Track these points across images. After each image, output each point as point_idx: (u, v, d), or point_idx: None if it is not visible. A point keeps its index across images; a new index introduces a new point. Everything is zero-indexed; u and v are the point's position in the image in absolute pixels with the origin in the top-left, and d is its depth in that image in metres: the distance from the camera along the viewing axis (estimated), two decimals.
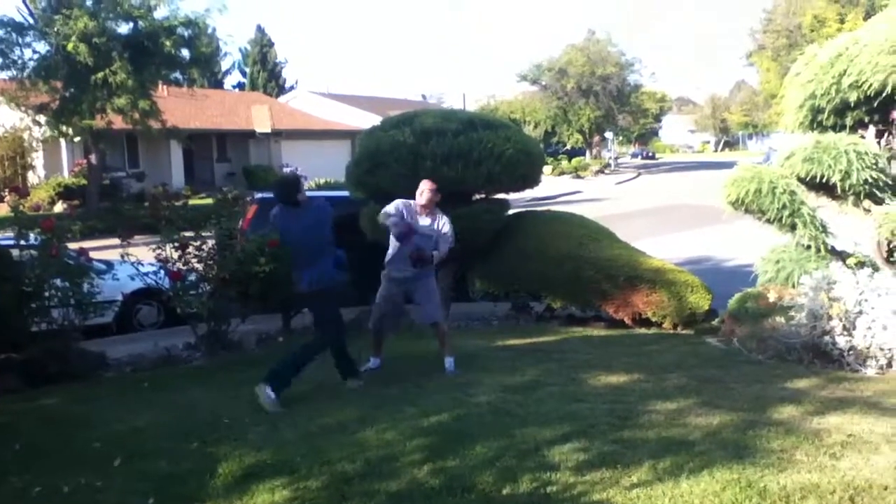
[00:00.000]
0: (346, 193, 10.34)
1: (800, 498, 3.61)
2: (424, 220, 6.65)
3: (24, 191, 18.76)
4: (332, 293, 6.13)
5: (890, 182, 7.77)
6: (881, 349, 6.52)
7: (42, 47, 20.80)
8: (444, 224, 6.67)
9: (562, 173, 45.41)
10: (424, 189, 6.72)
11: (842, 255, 8.22)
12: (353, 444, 4.69)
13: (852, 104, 7.95)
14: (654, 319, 8.64)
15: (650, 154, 74.51)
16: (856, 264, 7.90)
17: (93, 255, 7.99)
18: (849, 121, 8.19)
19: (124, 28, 21.24)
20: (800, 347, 6.89)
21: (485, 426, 4.85)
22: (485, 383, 5.96)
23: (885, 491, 3.66)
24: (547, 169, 36.17)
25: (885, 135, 8.07)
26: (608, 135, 56.42)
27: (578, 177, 44.64)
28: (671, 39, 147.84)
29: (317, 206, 6.15)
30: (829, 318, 6.76)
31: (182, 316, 8.04)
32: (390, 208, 6.64)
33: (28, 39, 20.73)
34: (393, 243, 6.72)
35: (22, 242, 7.58)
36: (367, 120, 29.83)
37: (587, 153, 54.85)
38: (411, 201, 6.72)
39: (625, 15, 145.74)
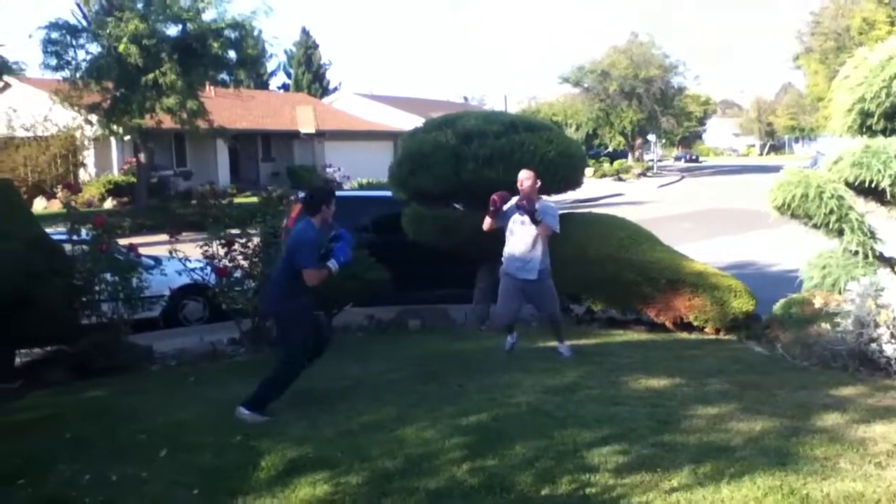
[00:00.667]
0: (388, 193, 10.42)
1: None
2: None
3: (76, 187, 19.16)
4: (288, 318, 5.76)
5: None
6: None
7: (94, 49, 21.37)
8: (546, 206, 7.08)
9: (604, 175, 45.12)
10: (522, 178, 7.07)
11: (890, 262, 8.05)
12: (392, 441, 4.74)
13: None
14: (696, 324, 8.55)
15: (694, 157, 73.61)
16: None
17: (141, 250, 8.19)
18: None
19: (173, 30, 21.73)
20: (845, 354, 6.77)
21: (524, 427, 4.86)
22: (524, 384, 5.97)
23: None
24: (589, 171, 35.92)
25: None
26: (651, 137, 55.90)
27: (620, 179, 44.32)
28: (715, 41, 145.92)
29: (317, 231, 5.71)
30: (877, 325, 6.63)
31: (227, 312, 8.18)
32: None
33: (81, 41, 21.30)
34: (508, 242, 7.12)
35: (74, 237, 7.80)
36: (409, 121, 30.01)
37: (629, 156, 54.40)
38: (515, 197, 7.04)
39: (668, 16, 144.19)
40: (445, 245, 9.19)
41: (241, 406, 5.46)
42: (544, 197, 8.60)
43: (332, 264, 5.60)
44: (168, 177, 28.23)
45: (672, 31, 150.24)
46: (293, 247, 5.60)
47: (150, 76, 20.19)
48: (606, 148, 55.99)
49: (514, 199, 7.02)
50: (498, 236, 7.27)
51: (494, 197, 6.93)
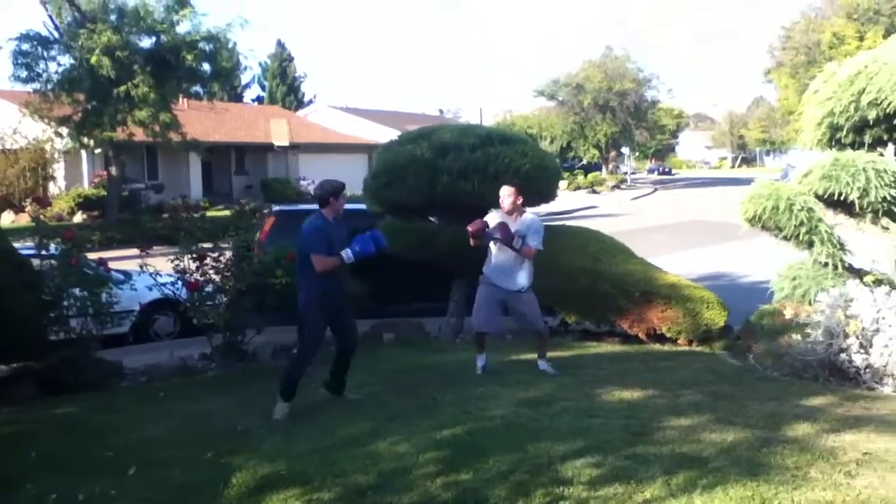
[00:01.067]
0: (363, 206, 10.40)
1: None
2: (513, 224, 6.85)
3: (45, 201, 18.96)
4: (300, 312, 6.04)
5: None
6: None
7: (66, 60, 21.20)
8: (531, 222, 6.91)
9: (578, 188, 45.41)
10: (503, 195, 6.96)
11: (859, 273, 8.16)
12: (366, 456, 4.70)
13: (871, 122, 7.94)
14: (669, 335, 8.60)
15: (667, 170, 74.33)
16: (873, 282, 7.84)
17: (111, 265, 8.09)
18: (867, 138, 8.16)
19: (147, 42, 21.58)
20: (816, 365, 6.84)
21: (498, 440, 4.85)
22: (499, 397, 5.96)
23: None
24: (563, 184, 36.10)
25: None
26: (625, 150, 56.37)
27: (594, 192, 44.63)
28: (689, 55, 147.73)
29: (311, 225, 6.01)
30: (846, 335, 6.71)
31: (198, 326, 8.10)
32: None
33: (53, 53, 21.12)
34: (494, 252, 6.98)
35: (42, 252, 7.69)
36: (384, 134, 30.03)
37: (603, 168, 54.82)
38: (498, 211, 6.98)
39: (642, 31, 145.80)
40: (421, 258, 9.18)
41: (279, 402, 5.88)
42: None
43: (346, 253, 5.86)
44: (139, 190, 27.95)
45: (646, 45, 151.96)
46: (303, 237, 5.93)
47: (123, 88, 20.02)
48: (580, 161, 56.37)
49: (495, 215, 6.95)
50: (475, 251, 7.24)
51: (471, 230, 6.68)
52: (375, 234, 6.03)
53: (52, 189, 26.18)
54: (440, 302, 9.65)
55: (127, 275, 8.39)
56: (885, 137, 8.13)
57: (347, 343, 6.30)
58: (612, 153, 55.93)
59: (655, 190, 47.87)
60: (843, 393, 6.25)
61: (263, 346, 8.39)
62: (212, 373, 7.78)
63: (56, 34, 21.12)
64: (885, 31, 34.03)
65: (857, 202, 7.67)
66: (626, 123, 52.04)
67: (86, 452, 5.14)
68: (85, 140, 21.79)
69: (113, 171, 23.27)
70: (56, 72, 21.05)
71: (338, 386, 6.32)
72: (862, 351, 6.62)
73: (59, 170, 26.53)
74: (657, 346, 8.61)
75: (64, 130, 21.84)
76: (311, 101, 56.54)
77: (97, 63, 19.60)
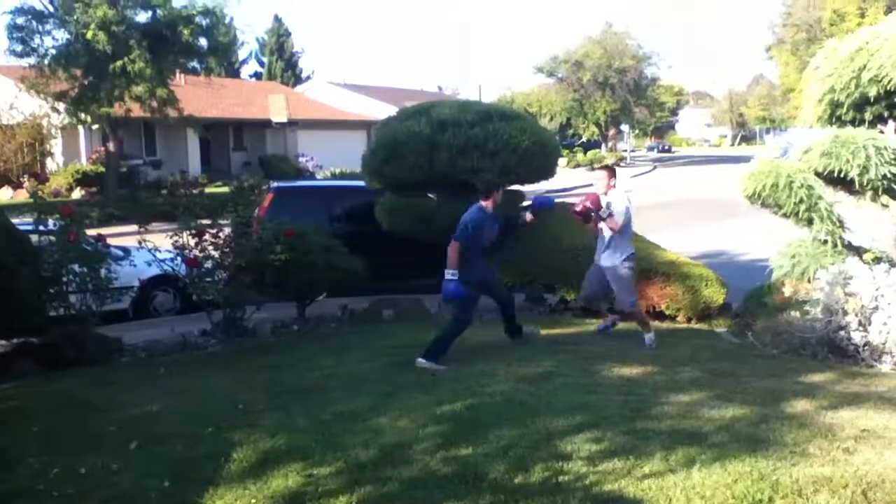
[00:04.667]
0: (361, 183, 10.37)
1: (812, 491, 3.61)
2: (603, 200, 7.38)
3: (43, 177, 18.79)
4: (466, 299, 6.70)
5: None
6: None
7: (62, 35, 20.99)
8: (613, 199, 7.37)
9: (577, 165, 45.30)
10: (596, 179, 7.55)
11: (858, 251, 8.16)
12: (366, 431, 4.72)
13: (872, 99, 7.90)
14: (668, 312, 8.62)
15: (666, 147, 74.13)
16: (872, 260, 7.85)
17: (110, 241, 8.07)
18: (868, 115, 8.12)
19: (143, 17, 21.40)
20: (815, 342, 6.87)
21: (498, 416, 4.87)
22: (499, 373, 5.98)
23: None
24: (562, 161, 36.03)
25: None
26: (624, 127, 56.15)
27: (594, 169, 44.43)
28: (690, 32, 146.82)
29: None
30: (845, 313, 6.73)
31: (198, 303, 8.10)
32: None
33: (48, 27, 20.88)
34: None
35: (41, 228, 7.66)
36: (383, 110, 29.87)
37: (603, 146, 54.65)
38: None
39: (643, 6, 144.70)
40: (420, 235, 9.17)
41: (420, 358, 6.42)
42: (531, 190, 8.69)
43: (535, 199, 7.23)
44: (137, 166, 27.85)
45: (647, 21, 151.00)
46: (460, 223, 6.63)
47: (119, 63, 19.86)
48: (580, 138, 56.19)
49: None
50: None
51: (577, 210, 7.32)
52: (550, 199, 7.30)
53: (50, 165, 26.07)
54: (441, 279, 9.65)
55: (126, 251, 8.37)
56: (886, 114, 8.09)
57: (505, 302, 7.24)
58: (612, 130, 55.73)
59: (655, 167, 47.75)
60: (842, 370, 6.28)
61: (263, 322, 8.41)
62: (212, 349, 7.80)
63: (51, 8, 20.90)
64: (886, 8, 33.77)
65: (856, 179, 7.65)
66: (625, 100, 51.79)
67: (87, 427, 5.15)
68: (82, 116, 21.65)
69: (111, 147, 23.16)
70: (52, 46, 20.88)
71: (515, 331, 7.27)
72: (861, 328, 6.65)
73: (56, 146, 26.39)
74: (656, 323, 8.60)
75: (61, 106, 21.70)
76: (309, 77, 56.18)
77: (93, 38, 19.43)
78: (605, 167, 7.82)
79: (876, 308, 6.66)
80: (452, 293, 6.52)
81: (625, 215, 7.26)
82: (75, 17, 19.80)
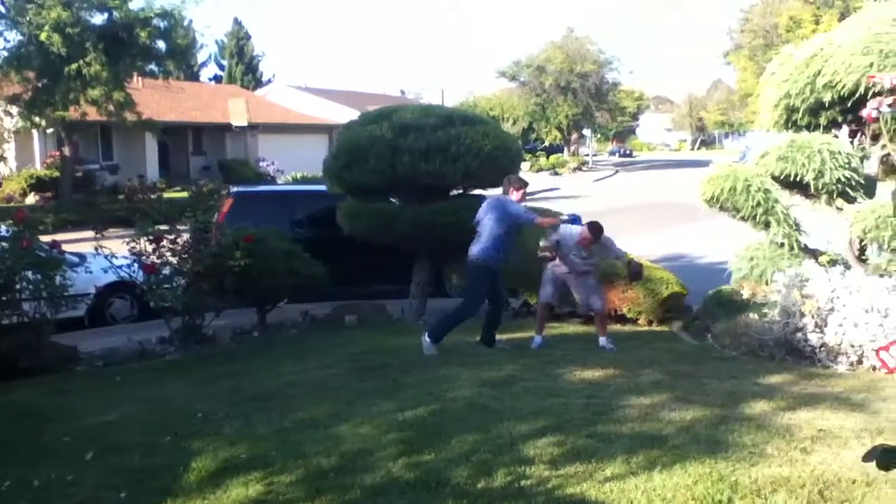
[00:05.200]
0: (323, 187, 10.29)
1: (770, 491, 3.65)
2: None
3: None
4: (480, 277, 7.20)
5: (862, 181, 7.87)
6: (852, 346, 6.61)
7: (14, 37, 20.54)
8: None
9: (540, 170, 45.54)
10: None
11: (814, 253, 8.32)
12: (327, 438, 4.67)
13: (826, 104, 8.05)
14: (629, 316, 8.69)
15: (627, 152, 74.87)
16: (828, 262, 8.00)
17: (65, 247, 7.91)
18: (823, 120, 8.28)
19: (99, 18, 20.99)
20: (772, 344, 6.97)
21: (461, 421, 4.85)
22: (461, 378, 5.97)
23: (853, 485, 3.71)
24: (525, 165, 36.27)
25: (858, 134, 8.16)
26: (586, 132, 56.61)
27: (556, 174, 44.78)
28: (650, 37, 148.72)
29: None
30: (802, 315, 6.84)
31: (156, 310, 7.97)
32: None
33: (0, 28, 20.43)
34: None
35: None
36: (344, 114, 29.74)
37: (565, 150, 55.04)
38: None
39: (604, 13, 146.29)
40: (382, 240, 9.13)
41: (425, 336, 7.04)
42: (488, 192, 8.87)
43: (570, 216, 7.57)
44: (94, 171, 27.30)
45: (607, 27, 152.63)
46: (508, 211, 7.16)
47: (75, 66, 19.48)
48: (542, 142, 56.50)
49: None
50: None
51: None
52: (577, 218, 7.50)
53: (3, 170, 25.46)
54: (403, 284, 9.62)
55: (82, 257, 8.23)
56: (840, 119, 8.25)
57: (500, 303, 7.58)
58: (574, 135, 56.16)
59: (616, 172, 48.20)
60: (799, 371, 6.37)
61: (223, 329, 8.31)
62: (170, 356, 7.68)
63: (2, 9, 20.47)
64: (840, 15, 34.58)
65: (812, 183, 7.79)
66: (587, 105, 52.21)
67: (41, 438, 5.03)
68: (36, 119, 21.23)
69: (66, 151, 22.72)
70: (3, 48, 20.50)
71: (490, 340, 7.40)
72: (817, 330, 6.76)
73: (9, 150, 25.75)
74: (618, 327, 8.69)
75: (14, 109, 21.26)
76: (269, 81, 55.65)
77: (47, 40, 19.04)
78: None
79: (832, 310, 6.78)
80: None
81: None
82: (28, 19, 19.38)
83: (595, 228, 7.38)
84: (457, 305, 7.47)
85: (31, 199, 23.24)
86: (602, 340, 7.45)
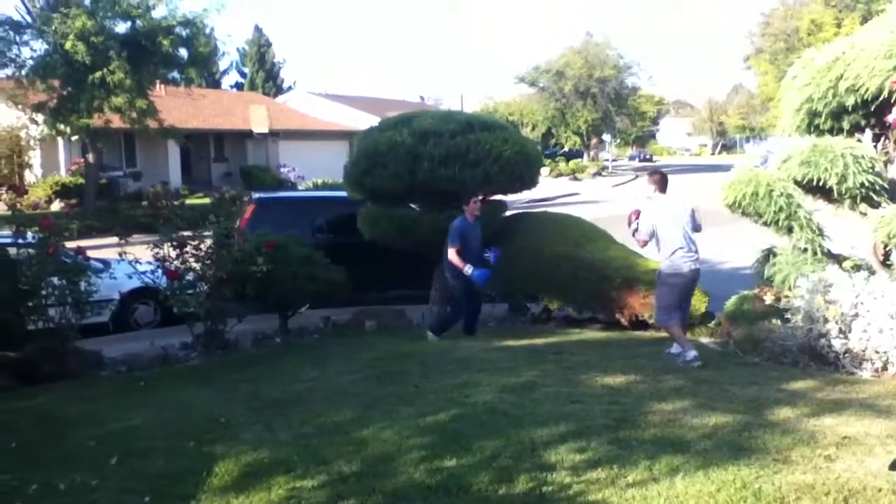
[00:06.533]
0: (343, 193, 10.35)
1: (794, 499, 3.62)
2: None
3: (21, 189, 18.68)
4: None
5: (886, 186, 7.78)
6: (877, 352, 6.52)
7: (40, 46, 20.83)
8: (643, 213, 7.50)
9: (559, 175, 45.47)
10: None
11: (838, 259, 8.22)
12: (349, 443, 4.69)
13: (849, 108, 7.96)
14: (650, 322, 8.64)
15: (647, 156, 74.54)
16: (852, 267, 7.90)
17: (90, 253, 8.00)
18: (845, 124, 8.19)
19: (122, 27, 21.22)
20: (796, 350, 6.90)
21: (482, 426, 4.85)
22: (482, 384, 5.96)
23: (878, 493, 3.67)
24: (544, 171, 36.19)
25: (882, 139, 8.07)
26: (606, 137, 56.45)
27: (576, 179, 44.71)
28: (670, 42, 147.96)
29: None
30: (826, 320, 6.77)
31: (179, 315, 8.03)
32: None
33: (26, 38, 20.74)
34: (665, 240, 7.21)
35: (19, 241, 7.58)
36: (364, 121, 29.82)
37: (585, 155, 54.90)
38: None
39: (624, 17, 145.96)
40: (401, 245, 9.16)
41: (428, 330, 8.31)
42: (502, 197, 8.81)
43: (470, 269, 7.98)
44: (117, 178, 27.63)
45: (626, 31, 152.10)
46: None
47: (98, 74, 19.72)
48: (562, 147, 56.44)
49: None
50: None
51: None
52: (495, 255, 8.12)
53: (29, 177, 25.82)
54: (423, 290, 9.65)
55: (106, 263, 8.31)
56: (863, 123, 8.16)
57: (476, 302, 8.41)
58: (594, 140, 56.02)
59: (636, 177, 47.90)
60: (823, 377, 6.31)
61: (245, 334, 8.36)
62: (193, 362, 7.73)
63: (29, 18, 20.76)
64: (862, 18, 34.22)
65: (835, 188, 7.71)
66: (606, 110, 52.12)
67: (65, 442, 5.09)
68: (61, 127, 21.47)
69: (90, 158, 22.96)
70: (30, 57, 20.74)
71: (473, 329, 8.43)
72: (841, 336, 6.68)
73: (35, 157, 26.15)
74: (639, 333, 8.65)
75: (39, 117, 21.52)
76: (290, 88, 56.08)
77: (72, 48, 19.29)
78: (650, 173, 7.83)
79: (856, 315, 6.70)
80: (481, 277, 7.91)
81: (648, 231, 7.24)
82: (53, 28, 19.65)
83: (660, 178, 7.47)
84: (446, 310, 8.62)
85: (57, 205, 23.54)
86: (674, 349, 7.23)
